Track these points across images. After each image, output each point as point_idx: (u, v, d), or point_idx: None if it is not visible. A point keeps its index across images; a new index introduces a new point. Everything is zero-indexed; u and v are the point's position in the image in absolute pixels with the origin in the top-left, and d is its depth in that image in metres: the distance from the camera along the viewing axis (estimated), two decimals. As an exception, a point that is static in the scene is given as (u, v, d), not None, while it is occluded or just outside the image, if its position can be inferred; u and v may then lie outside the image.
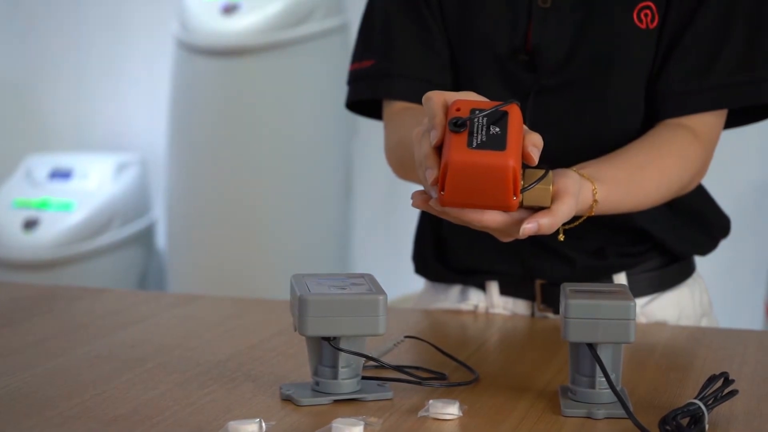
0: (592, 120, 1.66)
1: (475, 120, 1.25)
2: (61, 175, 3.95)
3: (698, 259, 1.80)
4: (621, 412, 1.22)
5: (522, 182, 1.27)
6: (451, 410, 1.24)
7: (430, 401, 1.25)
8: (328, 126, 3.67)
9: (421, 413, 1.24)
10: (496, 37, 1.66)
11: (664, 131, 1.62)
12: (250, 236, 3.70)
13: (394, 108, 1.70)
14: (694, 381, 1.36)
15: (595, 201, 1.45)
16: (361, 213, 3.94)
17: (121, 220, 3.93)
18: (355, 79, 1.72)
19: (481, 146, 1.23)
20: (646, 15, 1.63)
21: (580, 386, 1.27)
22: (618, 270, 1.71)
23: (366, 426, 1.18)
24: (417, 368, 1.39)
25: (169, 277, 3.86)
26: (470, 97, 1.31)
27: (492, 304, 1.76)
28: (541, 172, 1.31)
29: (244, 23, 3.63)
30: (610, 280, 1.71)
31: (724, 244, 1.78)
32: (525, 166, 1.29)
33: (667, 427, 1.17)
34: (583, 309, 1.24)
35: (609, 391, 1.24)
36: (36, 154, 4.08)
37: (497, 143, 1.23)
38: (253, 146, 3.69)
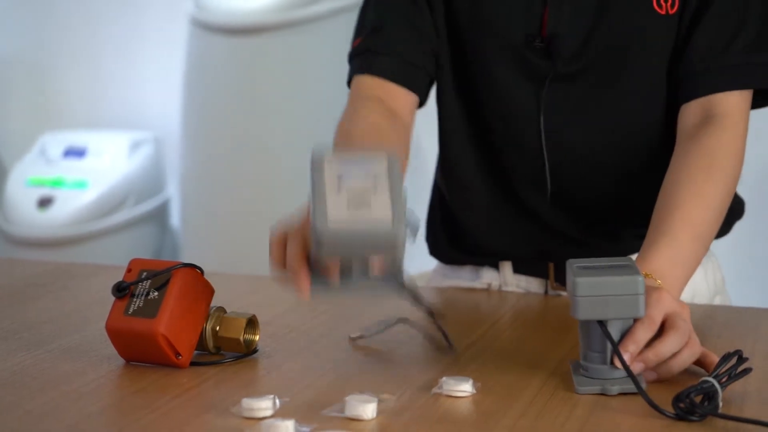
0: (610, 107, 1.65)
1: (139, 284, 1.33)
2: (75, 153, 3.96)
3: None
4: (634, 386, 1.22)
5: (216, 329, 1.36)
6: (464, 387, 1.24)
7: (444, 378, 1.25)
8: (342, 104, 3.67)
9: (435, 390, 1.24)
10: (511, 24, 1.65)
11: (687, 158, 1.56)
12: (263, 214, 3.70)
13: (364, 86, 1.69)
14: (707, 359, 1.36)
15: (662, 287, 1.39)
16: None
17: (136, 198, 3.94)
18: (349, 59, 1.73)
19: (136, 313, 1.32)
20: (666, 0, 1.61)
21: (592, 362, 1.27)
22: (633, 252, 1.71)
23: (379, 403, 1.18)
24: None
25: (183, 254, 3.86)
26: None
27: (505, 282, 1.76)
28: (244, 319, 1.37)
29: (259, 1, 3.62)
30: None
31: (738, 223, 1.78)
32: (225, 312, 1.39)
33: (681, 405, 1.17)
34: (591, 286, 1.24)
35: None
36: (50, 132, 4.09)
37: (151, 310, 1.31)
38: (267, 124, 3.69)
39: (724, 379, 1.22)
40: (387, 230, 1.19)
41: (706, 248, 1.53)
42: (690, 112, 1.59)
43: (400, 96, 1.66)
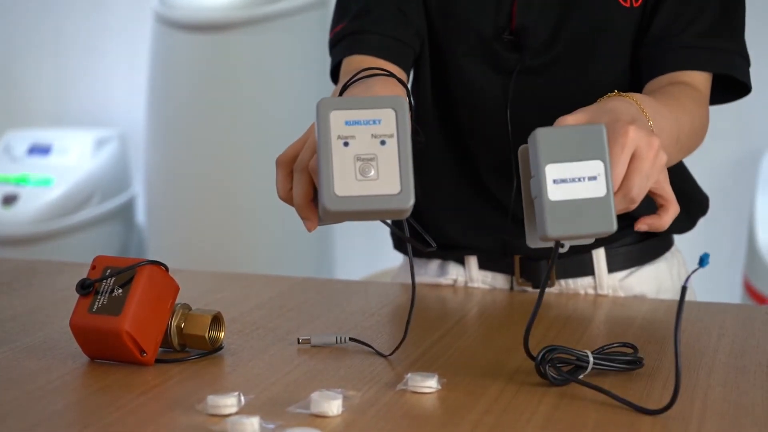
0: (577, 100, 1.65)
1: (103, 282, 1.32)
2: (40, 150, 3.94)
3: (677, 234, 1.80)
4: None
5: (181, 326, 1.36)
6: (429, 383, 1.24)
7: (409, 374, 1.25)
8: (308, 101, 3.66)
9: (400, 386, 1.24)
10: (480, 17, 1.66)
11: (669, 86, 1.59)
12: (229, 211, 3.70)
13: (353, 65, 1.65)
14: (671, 353, 1.37)
15: (643, 110, 1.36)
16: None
17: (101, 195, 3.93)
18: (331, 45, 1.72)
19: (101, 310, 1.31)
20: None
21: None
22: (597, 245, 1.71)
23: (345, 399, 1.18)
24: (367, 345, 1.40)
25: (149, 252, 3.85)
26: None
27: (471, 278, 1.76)
28: (209, 316, 1.36)
29: (224, -2, 3.62)
30: (590, 256, 1.72)
31: (702, 219, 1.79)
32: (191, 309, 1.38)
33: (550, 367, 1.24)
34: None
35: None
36: (15, 129, 4.07)
37: (116, 307, 1.31)
38: (233, 121, 3.68)
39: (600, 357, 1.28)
40: (395, 203, 1.19)
41: (680, 146, 1.51)
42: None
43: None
